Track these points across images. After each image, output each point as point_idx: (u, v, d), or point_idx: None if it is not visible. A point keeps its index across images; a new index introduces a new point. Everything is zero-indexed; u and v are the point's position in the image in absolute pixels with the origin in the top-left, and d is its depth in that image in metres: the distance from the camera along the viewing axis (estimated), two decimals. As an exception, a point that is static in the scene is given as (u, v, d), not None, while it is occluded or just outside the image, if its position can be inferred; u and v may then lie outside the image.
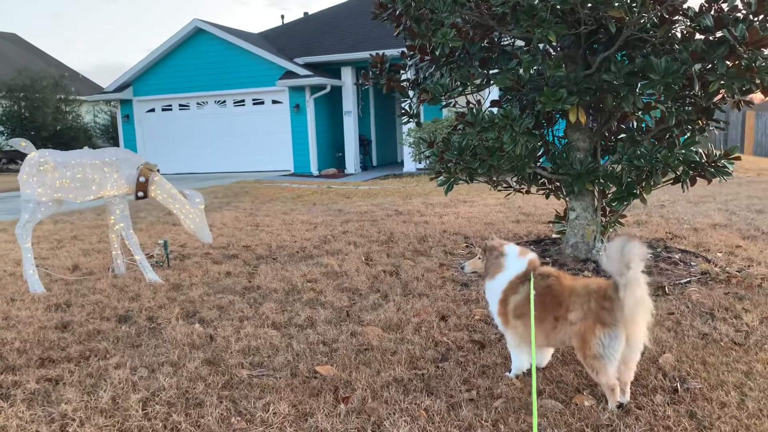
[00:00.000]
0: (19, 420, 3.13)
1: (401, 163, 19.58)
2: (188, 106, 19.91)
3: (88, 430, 3.03)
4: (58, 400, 3.34)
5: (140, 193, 5.84)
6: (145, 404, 3.26)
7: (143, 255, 5.91)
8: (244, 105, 19.31)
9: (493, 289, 3.43)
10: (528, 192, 6.38)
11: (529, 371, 3.38)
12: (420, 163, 16.51)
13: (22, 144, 5.64)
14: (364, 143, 20.08)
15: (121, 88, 19.86)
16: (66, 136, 24.72)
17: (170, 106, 20.07)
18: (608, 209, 6.02)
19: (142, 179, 5.81)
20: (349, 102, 18.73)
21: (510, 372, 3.46)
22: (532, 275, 3.25)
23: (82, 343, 4.20)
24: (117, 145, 22.77)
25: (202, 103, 19.74)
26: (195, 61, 19.13)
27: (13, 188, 13.76)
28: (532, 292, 3.15)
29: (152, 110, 20.24)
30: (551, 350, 3.55)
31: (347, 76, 18.55)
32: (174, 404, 3.26)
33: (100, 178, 5.75)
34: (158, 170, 5.98)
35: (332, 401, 3.23)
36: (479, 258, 3.58)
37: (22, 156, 5.82)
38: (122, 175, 5.80)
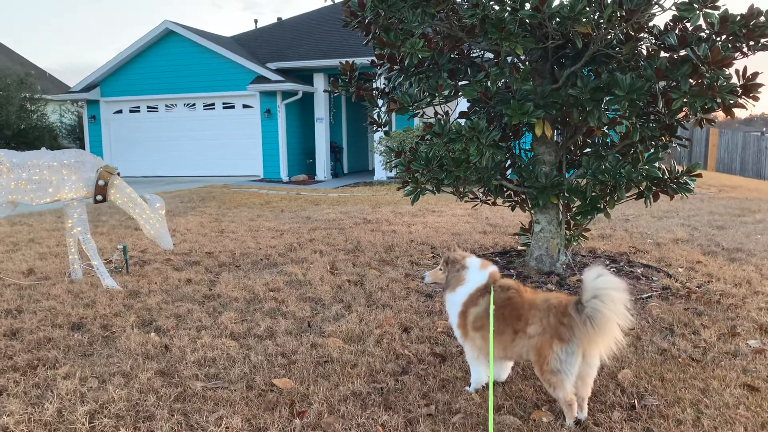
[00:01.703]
0: (-44, 433, 2.99)
1: (372, 171, 19.54)
2: (157, 108, 19.59)
3: (29, 444, 2.90)
4: (0, 412, 3.20)
5: (99, 197, 5.69)
6: (92, 417, 3.14)
7: (101, 260, 5.75)
8: (213, 108, 19.07)
9: (453, 301, 3.40)
10: (494, 204, 6.39)
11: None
12: (390, 171, 16.50)
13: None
14: (335, 150, 20.00)
15: (88, 88, 19.45)
16: (30, 136, 24.10)
17: (138, 107, 19.72)
18: (572, 223, 6.06)
19: (101, 182, 5.66)
20: (321, 109, 18.64)
21: (470, 386, 3.43)
22: (492, 288, 3.23)
23: (31, 352, 4.04)
24: (83, 146, 22.28)
25: (171, 105, 19.43)
26: (165, 62, 18.84)
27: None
28: (492, 306, 3.12)
29: (120, 111, 19.86)
30: (510, 363, 3.52)
31: (320, 82, 18.47)
32: (123, 417, 3.14)
33: (57, 180, 5.58)
34: (118, 173, 5.84)
35: (287, 416, 3.15)
36: (440, 269, 3.55)
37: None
38: (81, 178, 5.64)
